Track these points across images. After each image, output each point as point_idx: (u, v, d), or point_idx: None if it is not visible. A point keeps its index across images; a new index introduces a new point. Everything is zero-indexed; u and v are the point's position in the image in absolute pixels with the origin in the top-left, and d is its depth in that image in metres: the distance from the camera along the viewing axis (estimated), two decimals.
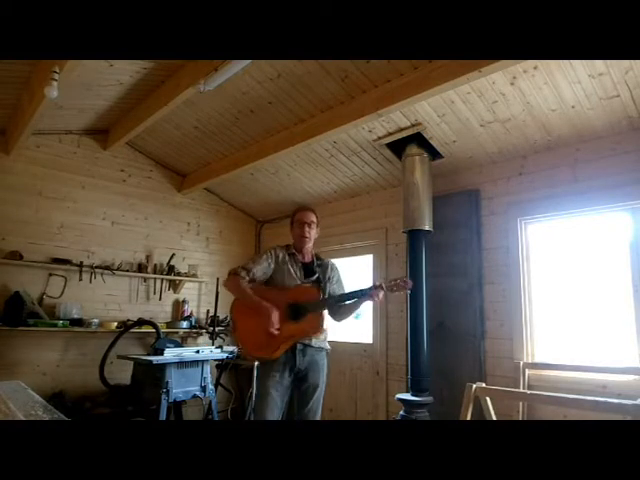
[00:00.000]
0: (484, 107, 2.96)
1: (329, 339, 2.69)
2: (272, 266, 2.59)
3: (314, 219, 2.69)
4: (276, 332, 2.40)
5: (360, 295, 2.49)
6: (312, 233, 2.67)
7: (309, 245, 2.68)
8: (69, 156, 4.28)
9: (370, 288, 2.46)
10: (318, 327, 2.48)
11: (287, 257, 2.63)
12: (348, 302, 2.58)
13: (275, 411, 2.45)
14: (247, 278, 2.53)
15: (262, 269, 2.57)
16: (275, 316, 2.41)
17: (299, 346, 2.50)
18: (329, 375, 2.66)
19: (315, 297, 2.51)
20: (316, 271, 2.64)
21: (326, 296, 2.60)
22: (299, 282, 2.58)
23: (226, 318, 4.80)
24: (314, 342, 2.54)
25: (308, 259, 2.69)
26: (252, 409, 2.58)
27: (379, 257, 4.24)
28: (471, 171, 3.68)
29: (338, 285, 2.71)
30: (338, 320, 2.69)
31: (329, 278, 2.66)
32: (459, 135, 3.30)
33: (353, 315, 2.67)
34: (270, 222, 5.51)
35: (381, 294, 2.45)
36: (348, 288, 2.70)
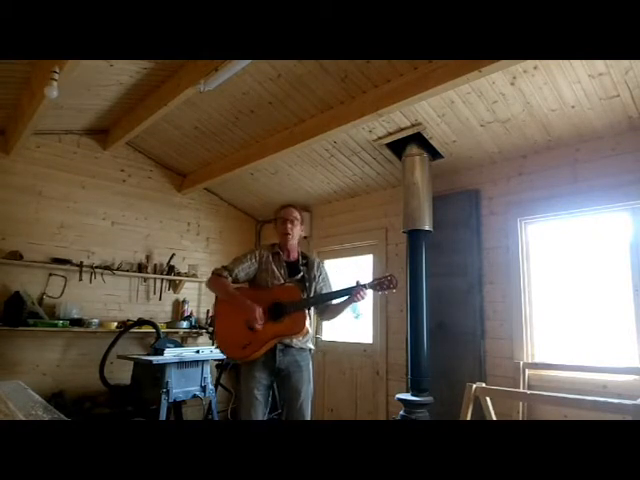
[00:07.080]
0: (484, 107, 2.96)
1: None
2: (255, 266, 2.57)
3: (297, 215, 2.66)
4: (259, 327, 2.37)
5: (343, 294, 2.44)
6: (295, 230, 2.62)
7: (293, 242, 2.63)
8: (69, 156, 4.28)
9: (353, 287, 2.40)
10: (300, 327, 2.38)
11: (271, 257, 2.58)
12: (333, 302, 2.52)
13: (259, 411, 2.43)
14: (230, 278, 2.53)
15: (244, 269, 2.56)
16: (259, 312, 2.37)
17: (279, 346, 2.45)
18: (315, 374, 2.61)
19: (297, 296, 2.44)
20: (301, 269, 2.59)
21: (311, 295, 2.55)
22: (282, 281, 2.52)
23: None
24: (295, 342, 2.48)
25: (293, 257, 2.64)
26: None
27: (379, 257, 4.24)
28: (471, 171, 3.68)
29: (324, 283, 2.65)
30: (325, 320, 2.66)
31: (314, 276, 2.60)
32: (459, 135, 3.30)
33: (340, 316, 2.60)
34: (270, 222, 5.49)
35: (364, 293, 2.40)
36: (337, 287, 2.61)
